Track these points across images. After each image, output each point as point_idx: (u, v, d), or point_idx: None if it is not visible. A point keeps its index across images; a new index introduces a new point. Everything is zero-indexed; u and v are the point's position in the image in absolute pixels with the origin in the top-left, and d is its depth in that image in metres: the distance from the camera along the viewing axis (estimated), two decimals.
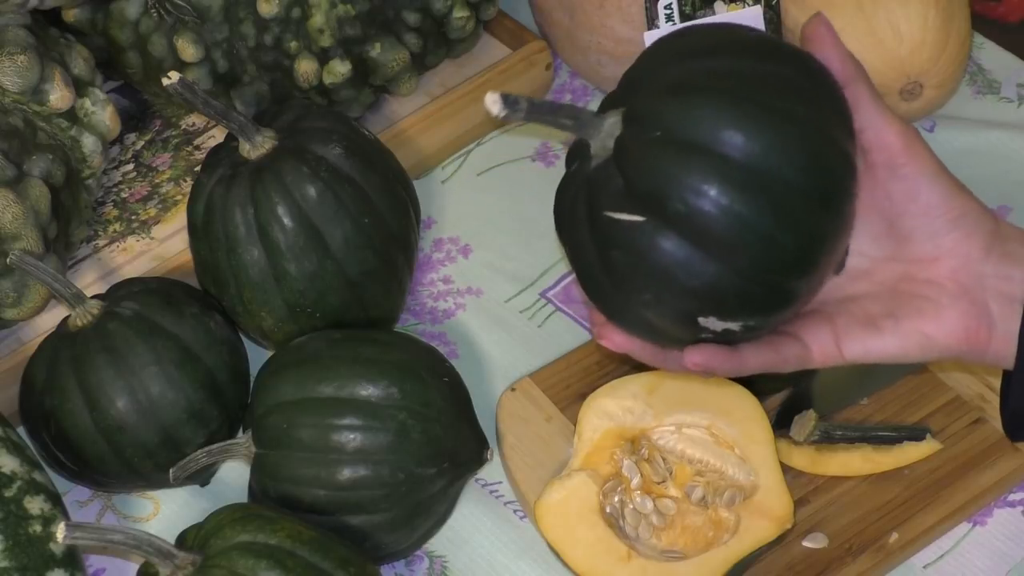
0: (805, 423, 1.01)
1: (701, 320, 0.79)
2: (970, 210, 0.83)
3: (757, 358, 0.83)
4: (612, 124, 0.79)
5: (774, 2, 1.14)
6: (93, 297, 1.03)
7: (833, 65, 0.81)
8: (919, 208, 0.83)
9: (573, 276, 1.16)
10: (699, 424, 0.99)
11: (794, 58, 0.79)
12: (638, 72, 0.81)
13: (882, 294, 0.85)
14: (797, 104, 0.76)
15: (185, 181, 1.21)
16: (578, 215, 0.80)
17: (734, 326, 0.79)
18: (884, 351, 0.84)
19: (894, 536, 0.98)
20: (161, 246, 1.17)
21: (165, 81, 0.98)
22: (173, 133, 1.25)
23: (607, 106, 0.82)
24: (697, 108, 0.75)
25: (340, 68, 1.15)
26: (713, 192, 0.74)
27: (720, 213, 0.74)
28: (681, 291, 0.77)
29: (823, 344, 0.84)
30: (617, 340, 0.84)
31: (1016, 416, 0.86)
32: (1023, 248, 0.83)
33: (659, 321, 0.80)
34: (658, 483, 0.98)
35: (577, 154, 0.82)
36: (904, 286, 0.84)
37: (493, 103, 0.77)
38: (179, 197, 1.20)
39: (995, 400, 1.00)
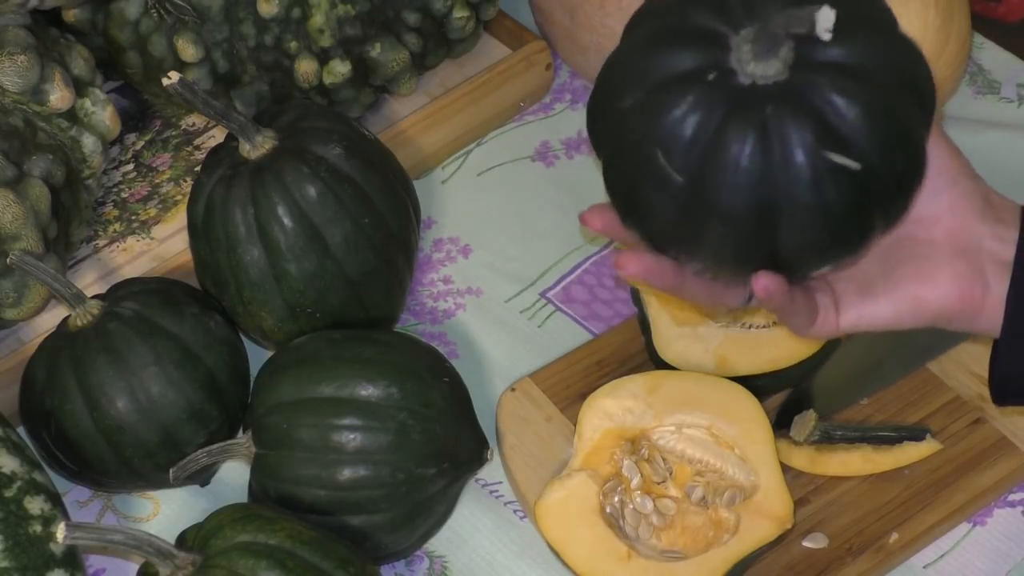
0: (805, 423, 1.01)
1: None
2: (967, 173, 0.85)
3: (795, 299, 0.82)
4: (786, 52, 0.75)
5: None
6: (93, 297, 1.03)
7: None
8: None
9: (573, 276, 1.16)
10: (699, 424, 0.99)
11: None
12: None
13: (880, 255, 0.85)
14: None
15: (185, 181, 1.21)
16: (737, 152, 0.75)
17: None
18: (877, 316, 0.84)
19: (894, 536, 0.98)
20: (161, 246, 1.17)
21: (165, 81, 0.98)
22: (173, 133, 1.25)
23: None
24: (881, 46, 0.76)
25: (340, 68, 1.15)
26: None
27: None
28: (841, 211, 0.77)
29: (824, 313, 0.84)
30: (634, 267, 0.81)
31: (1003, 381, 0.85)
32: (1010, 215, 0.84)
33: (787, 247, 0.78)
34: (658, 483, 0.98)
35: (706, 48, 0.76)
36: (903, 247, 0.84)
37: None
38: (179, 197, 1.20)
39: None
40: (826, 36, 0.73)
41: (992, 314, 0.83)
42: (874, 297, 0.84)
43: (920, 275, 0.83)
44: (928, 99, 0.80)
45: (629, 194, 0.79)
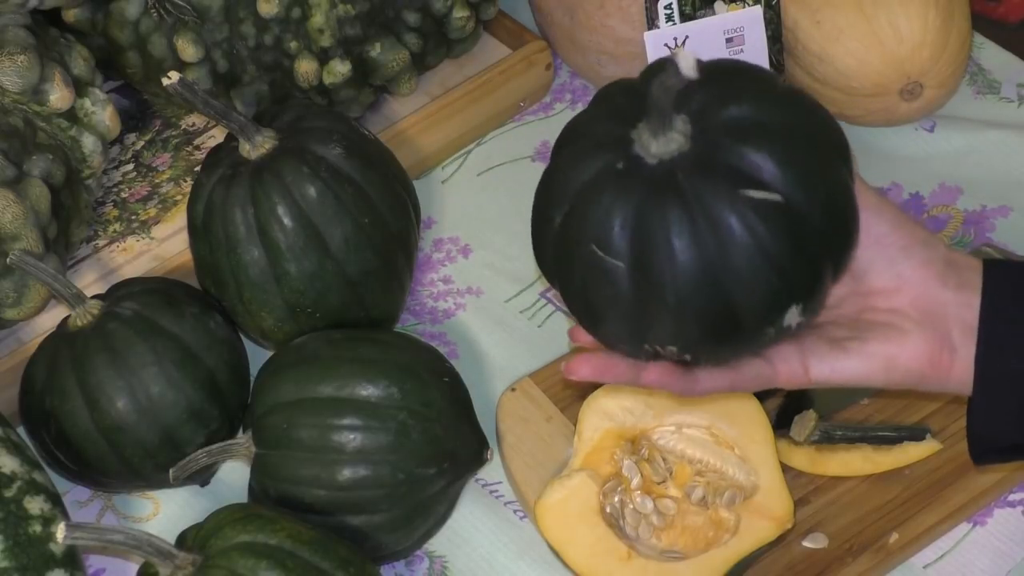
0: (805, 423, 1.01)
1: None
2: (919, 238, 0.84)
3: (713, 380, 0.83)
4: (682, 124, 0.78)
5: (774, 2, 1.14)
6: (93, 297, 1.03)
7: None
8: (870, 239, 0.83)
9: None
10: (699, 424, 0.99)
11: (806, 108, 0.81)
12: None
13: (846, 323, 0.85)
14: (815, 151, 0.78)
15: (185, 181, 1.21)
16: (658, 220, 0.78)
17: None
18: (849, 372, 0.84)
19: (894, 536, 0.98)
20: (161, 246, 1.17)
21: (165, 81, 0.98)
22: (173, 133, 1.25)
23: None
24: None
25: (340, 68, 1.15)
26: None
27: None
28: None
29: (790, 365, 0.84)
30: (586, 370, 0.84)
31: (979, 440, 0.86)
32: (973, 275, 0.84)
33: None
34: (658, 483, 0.98)
35: (613, 148, 0.79)
36: (868, 315, 0.85)
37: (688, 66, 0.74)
38: (179, 197, 1.20)
39: None
40: (693, 75, 0.74)
41: (961, 376, 0.84)
42: (845, 353, 0.84)
43: (890, 339, 0.84)
44: (834, 137, 0.80)
45: (586, 301, 0.81)
